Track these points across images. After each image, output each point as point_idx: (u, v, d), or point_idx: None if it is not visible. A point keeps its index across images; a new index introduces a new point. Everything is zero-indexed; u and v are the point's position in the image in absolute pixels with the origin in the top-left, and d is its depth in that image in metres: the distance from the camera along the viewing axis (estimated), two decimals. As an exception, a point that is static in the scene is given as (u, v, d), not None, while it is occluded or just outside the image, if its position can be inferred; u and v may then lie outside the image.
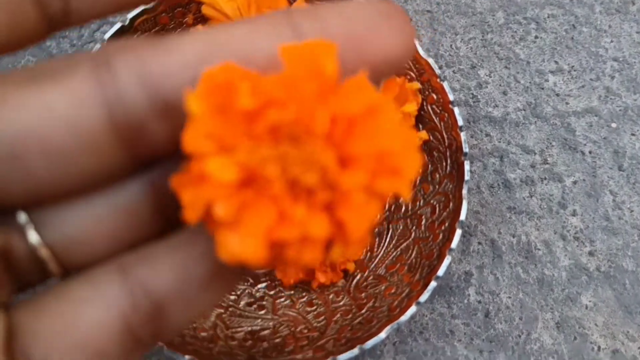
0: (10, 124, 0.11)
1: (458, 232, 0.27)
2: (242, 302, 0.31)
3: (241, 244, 0.11)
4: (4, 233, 0.12)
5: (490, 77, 0.40)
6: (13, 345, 0.12)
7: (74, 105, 0.11)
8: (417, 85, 0.31)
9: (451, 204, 0.28)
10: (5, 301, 0.12)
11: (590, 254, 0.36)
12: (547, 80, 0.40)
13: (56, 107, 0.11)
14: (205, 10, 0.29)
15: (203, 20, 0.31)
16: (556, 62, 0.40)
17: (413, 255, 0.30)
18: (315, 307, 0.31)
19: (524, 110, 0.39)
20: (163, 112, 0.12)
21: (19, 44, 0.12)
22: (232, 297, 0.31)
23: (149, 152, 0.12)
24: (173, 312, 0.13)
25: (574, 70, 0.40)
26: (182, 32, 0.12)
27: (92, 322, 0.12)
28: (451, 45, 0.40)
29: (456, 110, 0.29)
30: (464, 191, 0.28)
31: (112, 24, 0.38)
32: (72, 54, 0.13)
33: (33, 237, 0.12)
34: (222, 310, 0.30)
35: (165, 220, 0.13)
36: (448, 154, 0.30)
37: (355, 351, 0.26)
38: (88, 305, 0.12)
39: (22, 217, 0.12)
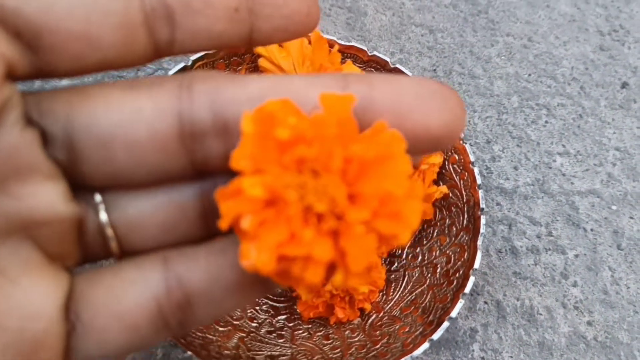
0: (107, 119, 0.14)
1: (472, 279, 0.29)
2: (263, 330, 0.33)
3: (257, 255, 0.12)
4: (82, 207, 0.14)
5: (504, 152, 0.43)
6: (69, 304, 0.14)
7: (156, 112, 0.14)
8: (441, 146, 0.34)
9: (466, 254, 0.31)
10: (71, 267, 0.15)
11: (589, 323, 0.38)
12: (554, 161, 0.43)
13: (143, 111, 0.14)
14: (262, 62, 0.32)
15: (256, 71, 0.34)
16: (563, 146, 0.44)
17: (427, 299, 0.32)
18: (331, 341, 0.32)
19: (533, 185, 0.42)
20: (221, 131, 0.14)
21: (127, 63, 0.14)
22: (254, 325, 0.33)
23: (204, 161, 0.14)
24: (200, 307, 0.15)
25: (580, 155, 0.44)
26: (252, 74, 0.15)
27: (133, 300, 0.14)
28: (470, 121, 0.44)
29: (476, 170, 0.32)
30: (479, 242, 0.30)
31: (177, 62, 0.42)
32: (167, 75, 0.16)
33: (103, 215, 0.15)
34: (244, 335, 0.32)
35: (206, 228, 0.15)
36: (465, 209, 0.33)
37: (369, 379, 0.27)
38: (132, 285, 0.14)
39: (98, 197, 0.15)
